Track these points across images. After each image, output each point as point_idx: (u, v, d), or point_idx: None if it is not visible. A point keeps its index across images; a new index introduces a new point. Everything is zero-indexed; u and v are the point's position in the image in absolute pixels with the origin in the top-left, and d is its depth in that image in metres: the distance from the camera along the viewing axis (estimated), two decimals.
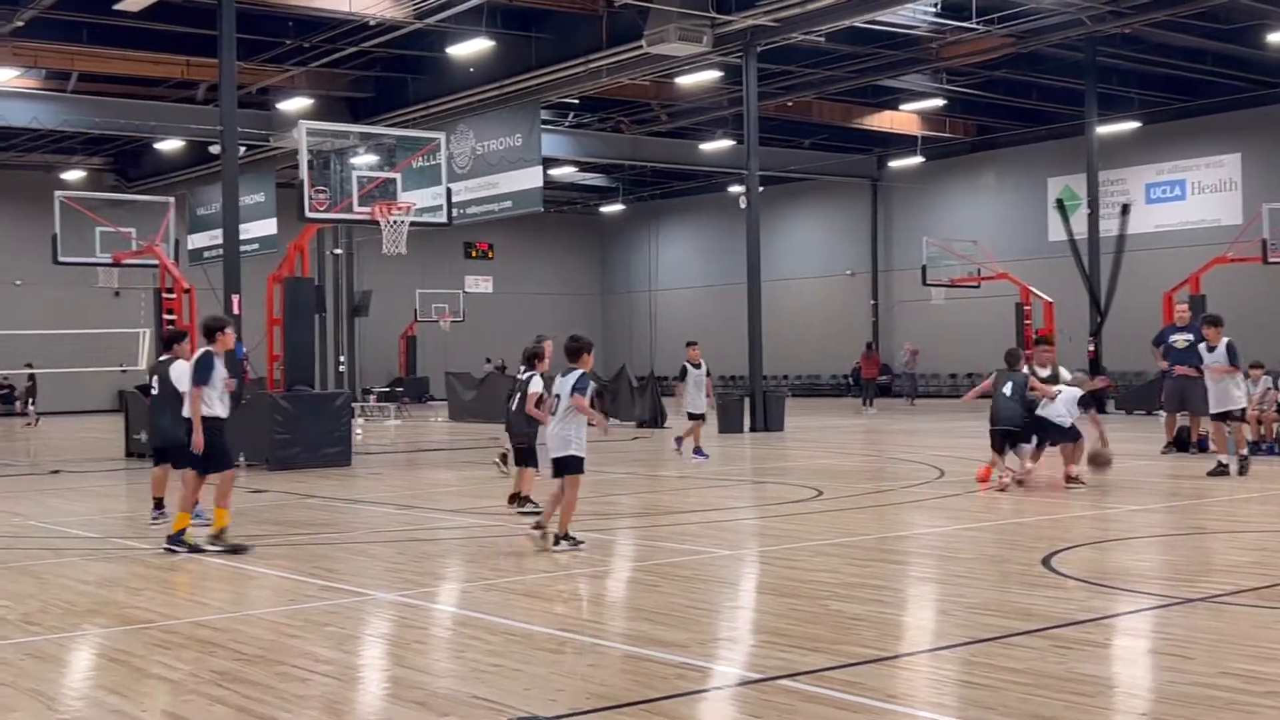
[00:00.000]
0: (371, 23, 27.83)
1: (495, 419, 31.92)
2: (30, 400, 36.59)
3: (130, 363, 24.50)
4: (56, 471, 20.04)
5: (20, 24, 26.35)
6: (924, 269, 37.12)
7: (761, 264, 29.74)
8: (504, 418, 13.93)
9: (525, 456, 13.32)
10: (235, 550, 10.85)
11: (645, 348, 46.16)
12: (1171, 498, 14.50)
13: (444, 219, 20.62)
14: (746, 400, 27.78)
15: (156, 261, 24.20)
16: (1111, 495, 14.16)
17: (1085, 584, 8.86)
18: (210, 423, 11.09)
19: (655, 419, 29.21)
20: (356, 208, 18.80)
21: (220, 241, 24.27)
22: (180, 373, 12.28)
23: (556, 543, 10.59)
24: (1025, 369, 15.31)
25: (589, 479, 17.20)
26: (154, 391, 12.75)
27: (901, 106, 38.79)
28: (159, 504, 12.93)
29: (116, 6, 25.41)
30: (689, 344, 20.81)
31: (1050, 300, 34.29)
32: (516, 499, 13.34)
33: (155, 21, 27.91)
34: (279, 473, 18.81)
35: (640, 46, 26.67)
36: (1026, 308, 34.45)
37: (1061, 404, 14.98)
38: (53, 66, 31.91)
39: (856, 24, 27.86)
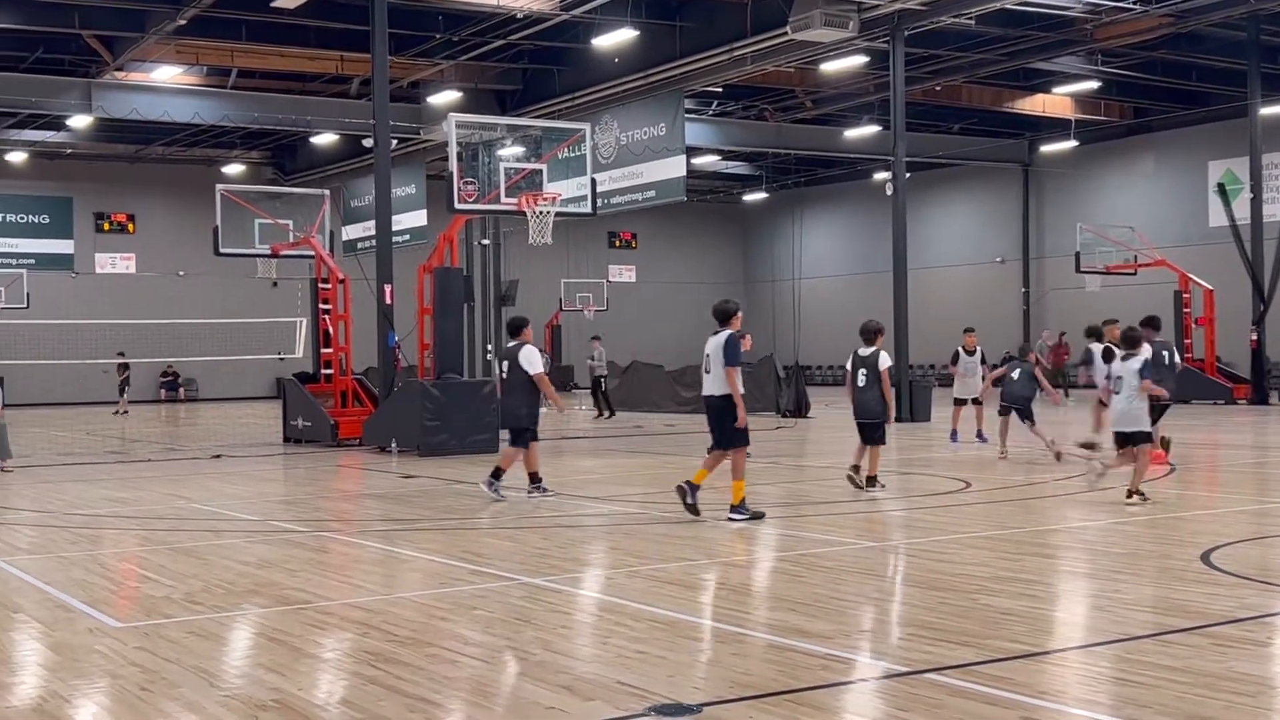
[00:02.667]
0: (519, 15, 28.17)
1: (638, 407, 32.23)
2: (125, 389, 37.51)
3: (288, 351, 25.19)
4: (218, 456, 20.74)
5: (183, 22, 27.32)
6: (1078, 256, 36.22)
7: (908, 251, 29.33)
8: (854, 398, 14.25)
9: (871, 433, 13.81)
10: (755, 517, 11.74)
11: (789, 337, 45.81)
12: None
13: (588, 209, 20.77)
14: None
15: (312, 252, 24.89)
16: (1275, 490, 13.65)
17: (1246, 581, 8.57)
18: (729, 401, 11.75)
19: (800, 408, 29.03)
20: (504, 199, 19.05)
21: (373, 233, 24.80)
22: (529, 357, 13.35)
23: (1130, 497, 12.28)
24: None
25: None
26: (504, 376, 13.67)
27: (1054, 89, 37.86)
28: (497, 474, 13.76)
29: (273, 4, 26.17)
30: (966, 330, 21.72)
31: (1210, 288, 33.23)
32: (869, 479, 13.82)
33: (310, 18, 28.69)
34: (429, 458, 19.20)
35: (785, 33, 26.47)
36: (1185, 295, 33.44)
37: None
38: (213, 64, 33.00)
39: (1007, 5, 27.26)
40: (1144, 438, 12.56)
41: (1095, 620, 7.70)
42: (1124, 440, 12.66)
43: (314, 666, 6.74)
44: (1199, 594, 8.05)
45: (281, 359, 25.95)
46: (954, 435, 20.41)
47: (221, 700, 5.96)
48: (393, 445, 20.50)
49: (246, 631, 7.72)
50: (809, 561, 9.71)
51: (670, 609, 7.87)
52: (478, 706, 5.88)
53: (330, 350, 23.71)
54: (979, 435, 20.42)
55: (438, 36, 30.78)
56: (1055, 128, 42.05)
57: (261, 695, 6.04)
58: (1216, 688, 5.84)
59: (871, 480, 13.81)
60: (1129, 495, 12.38)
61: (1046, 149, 44.26)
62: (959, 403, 20.90)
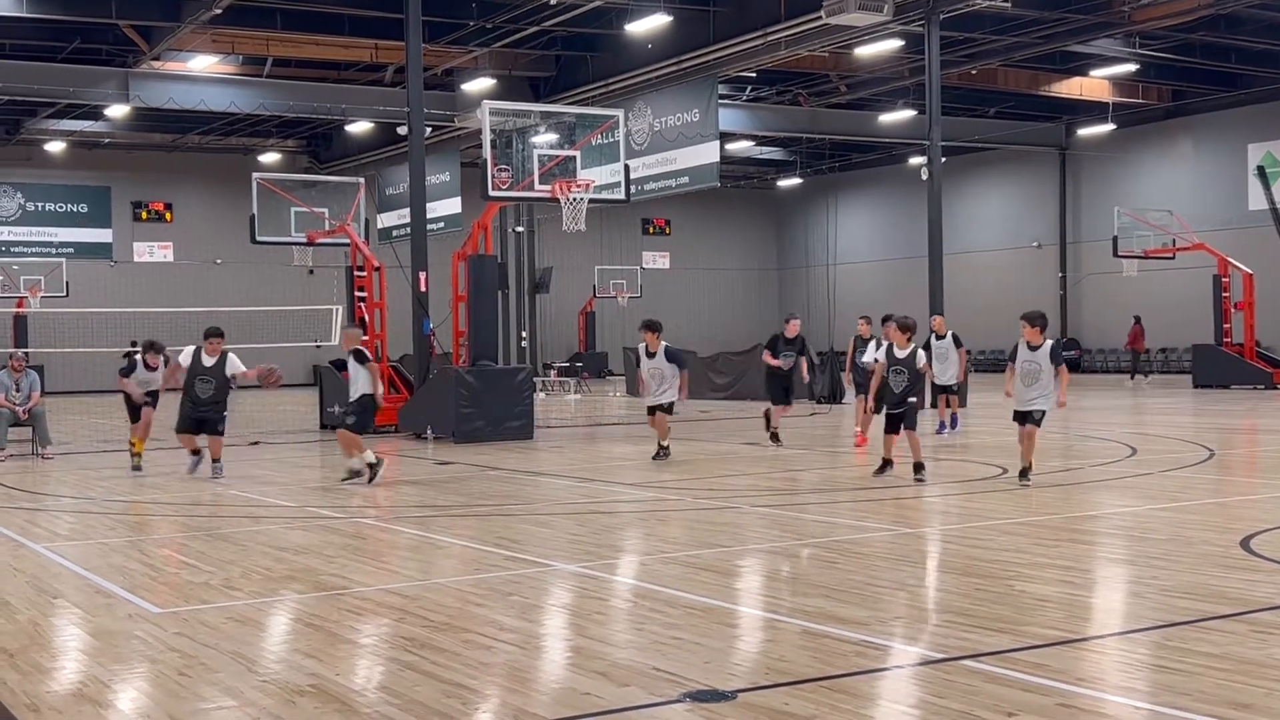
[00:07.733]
0: (552, 2, 28.15)
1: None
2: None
3: (324, 338, 25.31)
4: (256, 443, 20.88)
5: (218, 11, 27.45)
6: (1115, 240, 35.94)
7: (944, 236, 29.17)
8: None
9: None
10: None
11: (824, 323, 45.67)
12: None
13: (622, 196, 20.75)
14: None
15: (348, 240, 24.99)
16: None
17: None
18: None
19: (834, 395, 28.95)
20: (537, 186, 19.06)
21: (408, 220, 24.86)
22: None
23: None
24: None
25: (772, 454, 17.15)
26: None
27: (1091, 72, 37.53)
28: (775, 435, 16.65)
29: None
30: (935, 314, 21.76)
31: (1250, 271, 32.93)
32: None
33: (345, 6, 28.81)
34: (464, 445, 19.27)
35: (819, 17, 26.31)
36: (1225, 279, 33.14)
37: None
38: (249, 53, 33.17)
39: None
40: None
41: (1133, 606, 7.65)
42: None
43: (351, 652, 6.78)
44: (1238, 580, 7.98)
45: (318, 346, 26.06)
46: (952, 422, 20.06)
47: (259, 685, 6.00)
48: (428, 432, 20.59)
49: (284, 617, 7.77)
50: (843, 548, 9.69)
51: (705, 595, 7.87)
52: (513, 692, 5.91)
53: (366, 337, 23.80)
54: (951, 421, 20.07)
55: (471, 24, 30.81)
56: (1093, 111, 41.69)
57: (299, 680, 6.08)
58: (1256, 675, 5.79)
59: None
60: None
61: (1084, 132, 43.88)
62: (942, 389, 20.09)
